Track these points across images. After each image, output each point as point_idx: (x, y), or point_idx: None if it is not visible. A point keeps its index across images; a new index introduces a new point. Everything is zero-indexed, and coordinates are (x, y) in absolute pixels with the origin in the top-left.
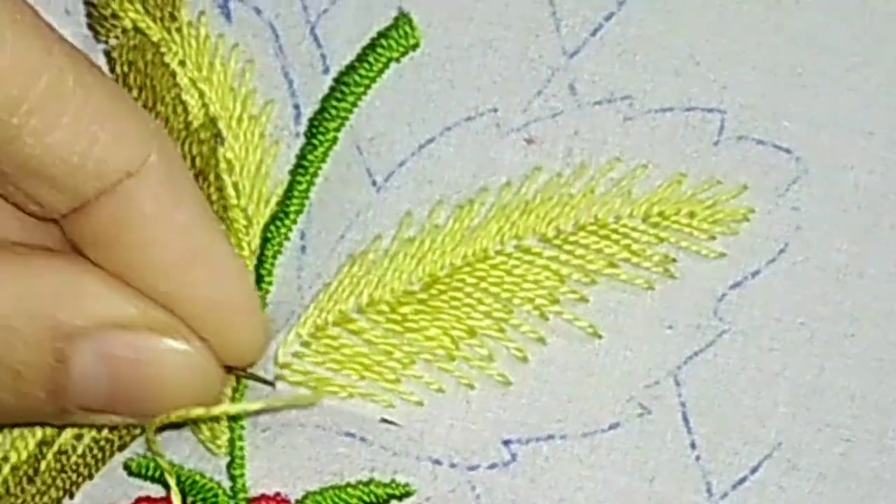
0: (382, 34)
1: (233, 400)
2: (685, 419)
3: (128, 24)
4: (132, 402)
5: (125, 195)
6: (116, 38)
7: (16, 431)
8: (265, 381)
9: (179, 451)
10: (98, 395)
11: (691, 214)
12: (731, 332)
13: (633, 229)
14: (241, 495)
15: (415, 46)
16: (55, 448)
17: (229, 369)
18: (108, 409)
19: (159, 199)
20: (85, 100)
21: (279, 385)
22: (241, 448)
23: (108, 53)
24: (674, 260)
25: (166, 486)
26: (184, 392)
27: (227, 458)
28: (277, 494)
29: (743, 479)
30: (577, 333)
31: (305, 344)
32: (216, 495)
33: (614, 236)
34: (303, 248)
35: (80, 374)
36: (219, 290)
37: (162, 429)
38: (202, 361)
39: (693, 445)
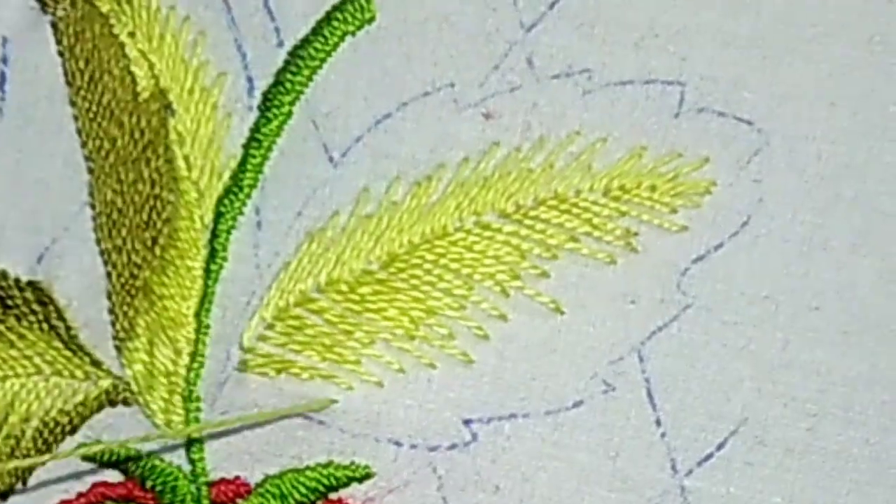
0: (337, 7)
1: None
2: (650, 396)
3: None
4: None
5: None
6: (64, 9)
7: None
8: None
9: (135, 434)
10: None
11: (652, 188)
12: (695, 306)
13: (594, 203)
14: (202, 479)
15: (370, 20)
16: (3, 433)
17: None
18: None
19: None
20: None
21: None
22: (198, 430)
23: (54, 25)
24: (635, 234)
25: (123, 471)
26: None
27: (185, 442)
28: (237, 478)
29: (709, 456)
30: (539, 309)
31: (269, 326)
32: (176, 479)
33: (575, 210)
34: (258, 224)
35: None
36: None
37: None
38: None
39: (658, 422)
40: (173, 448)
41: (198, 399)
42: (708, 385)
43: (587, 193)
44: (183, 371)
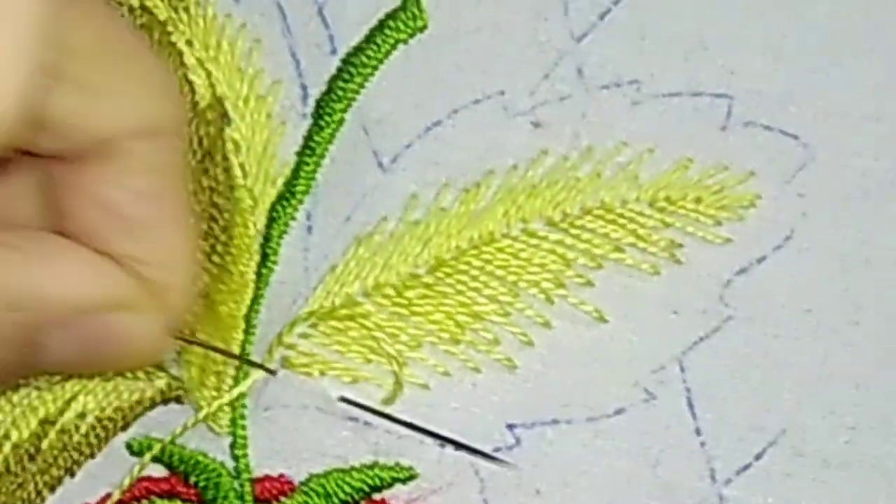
0: (390, 15)
1: (235, 384)
2: (690, 405)
3: (134, 2)
4: (96, 366)
5: (112, 156)
6: (122, 16)
7: (17, 409)
8: (266, 369)
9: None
10: (65, 364)
11: (698, 200)
12: (737, 318)
13: (640, 214)
14: (245, 475)
15: (422, 28)
16: (58, 427)
17: (234, 357)
18: (72, 371)
19: (145, 175)
20: (102, 52)
21: (281, 371)
22: (244, 428)
23: None
24: (680, 245)
25: (168, 466)
26: (142, 356)
27: (230, 439)
28: (281, 475)
29: (747, 466)
30: (583, 318)
31: (313, 325)
32: (220, 475)
33: (620, 221)
34: (309, 229)
35: (52, 354)
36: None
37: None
38: (159, 331)
39: (698, 431)
40: (218, 444)
41: (243, 396)
42: (748, 396)
43: (633, 204)
44: (231, 370)
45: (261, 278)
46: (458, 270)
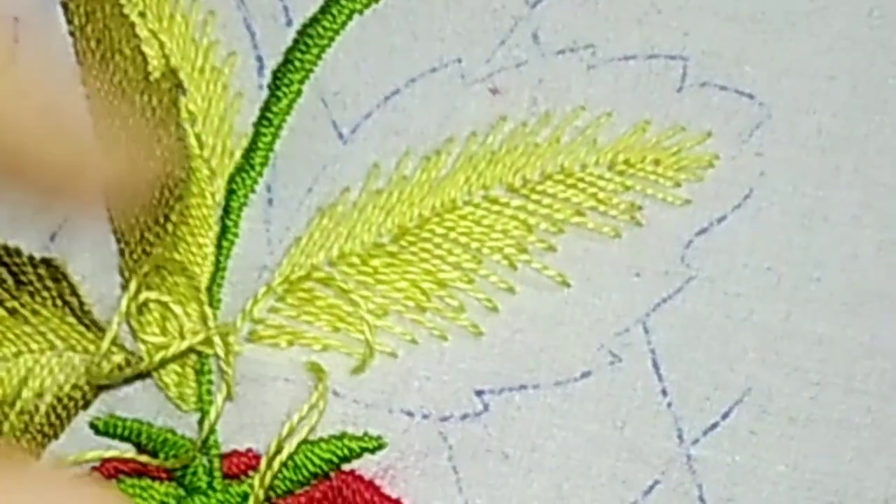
0: None
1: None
2: (655, 366)
3: None
4: None
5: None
6: None
7: None
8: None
9: (147, 407)
10: None
11: (656, 162)
12: (699, 278)
13: (600, 177)
14: (214, 451)
15: None
16: (17, 408)
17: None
18: None
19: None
20: None
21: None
22: (211, 403)
23: (65, 5)
24: (640, 207)
25: (135, 445)
26: None
27: (197, 415)
28: (249, 450)
29: (714, 425)
30: (546, 282)
31: (280, 298)
32: (188, 451)
33: (581, 185)
34: (269, 201)
35: None
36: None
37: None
38: None
39: (664, 392)
40: (186, 421)
41: (209, 372)
42: (712, 355)
43: (592, 168)
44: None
45: (221, 251)
46: (421, 238)
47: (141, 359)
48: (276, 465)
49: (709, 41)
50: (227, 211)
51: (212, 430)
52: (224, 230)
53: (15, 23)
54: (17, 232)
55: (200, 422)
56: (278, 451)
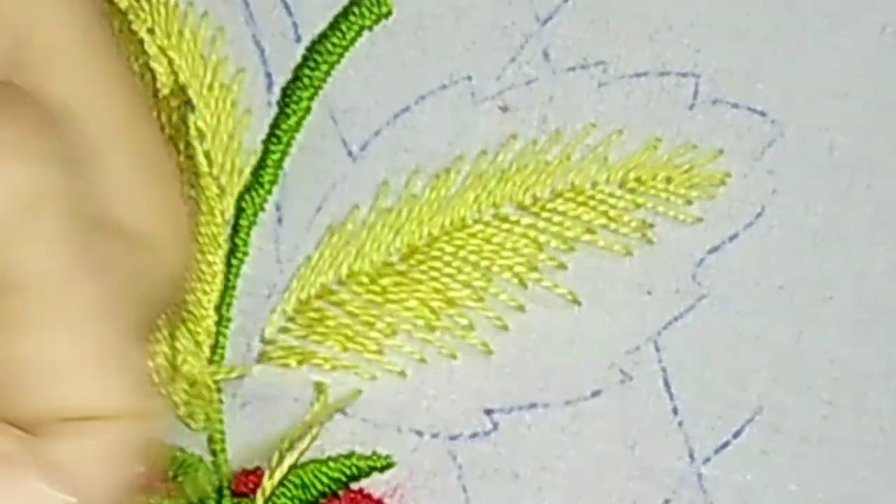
0: (354, 2)
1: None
2: (666, 385)
3: None
4: None
5: None
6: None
7: None
8: None
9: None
10: None
11: (668, 179)
12: (710, 296)
13: (610, 195)
14: (224, 469)
15: (387, 14)
16: None
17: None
18: None
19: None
20: None
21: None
22: (220, 422)
23: None
24: (651, 225)
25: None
26: None
27: (206, 433)
28: (258, 469)
29: (726, 444)
30: (557, 301)
31: (290, 319)
32: (197, 469)
33: (591, 203)
34: (279, 220)
35: None
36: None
37: None
38: None
39: (675, 411)
40: (195, 439)
41: (219, 391)
42: (724, 374)
43: (603, 185)
44: (204, 363)
45: (230, 269)
46: (430, 257)
47: (150, 377)
48: (276, 479)
49: (721, 58)
50: (236, 229)
51: (222, 449)
52: (233, 249)
53: None
54: None
55: (209, 440)
56: (279, 466)
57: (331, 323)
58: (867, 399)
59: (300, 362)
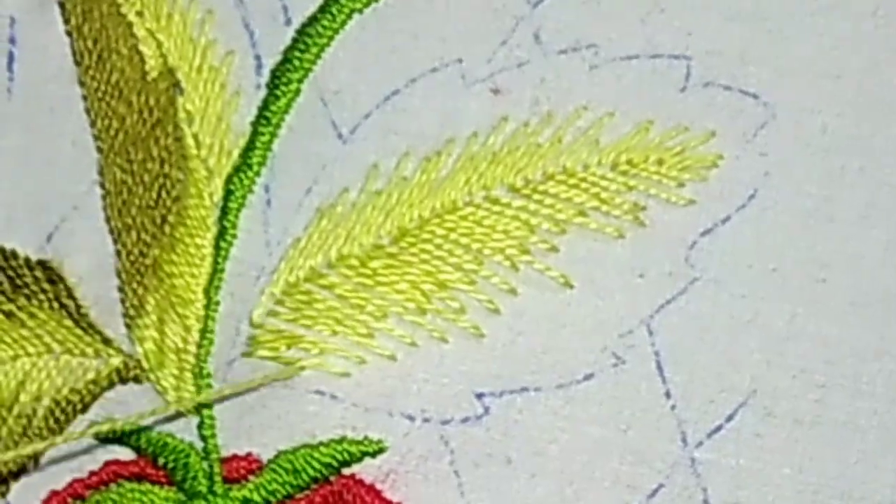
0: None
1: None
2: (659, 368)
3: None
4: None
5: None
6: None
7: None
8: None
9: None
10: None
11: (660, 162)
12: (703, 279)
13: (602, 178)
14: (214, 455)
15: None
16: (15, 412)
17: None
18: None
19: None
20: None
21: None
22: (210, 408)
23: (62, 5)
24: (643, 208)
25: (136, 449)
26: None
27: (197, 420)
28: (249, 454)
29: (718, 428)
30: (549, 284)
31: (279, 302)
32: (188, 456)
33: (583, 185)
34: (268, 202)
35: None
36: None
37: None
38: None
39: (668, 395)
40: (185, 425)
41: (208, 375)
42: (717, 357)
43: (595, 168)
44: (193, 348)
45: (219, 252)
46: (421, 240)
47: (138, 362)
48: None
49: (712, 40)
50: (224, 212)
51: (212, 435)
52: (222, 231)
53: (12, 22)
54: (13, 234)
55: (199, 426)
56: (278, 455)
57: (320, 306)
58: (861, 382)
59: (289, 346)
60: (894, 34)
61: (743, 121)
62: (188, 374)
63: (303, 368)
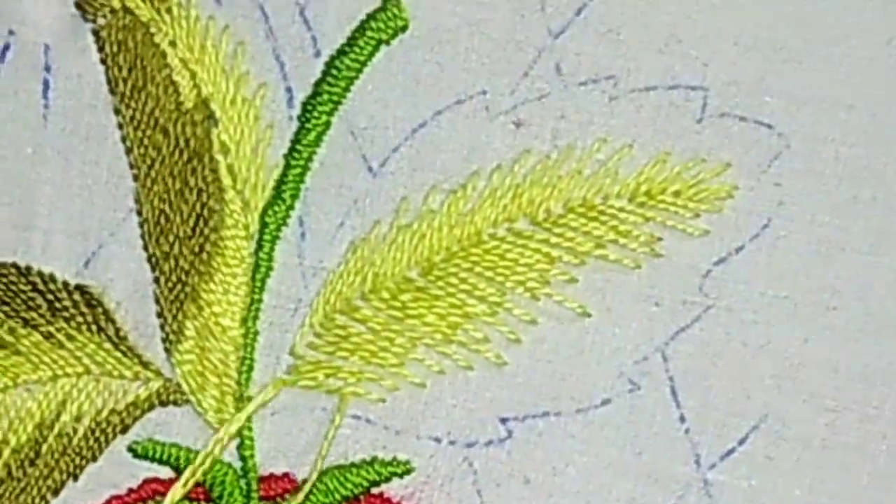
0: (371, 16)
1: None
2: (674, 393)
3: (116, 3)
4: None
5: None
6: (105, 17)
7: (12, 412)
8: None
9: (187, 433)
10: None
11: (676, 193)
12: (717, 307)
13: (621, 210)
14: (252, 475)
15: (403, 28)
16: (55, 431)
17: None
18: None
19: None
20: None
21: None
22: (251, 429)
23: (96, 33)
24: (659, 239)
25: (174, 468)
26: None
27: (236, 440)
28: (286, 474)
29: (731, 451)
30: (568, 314)
31: (318, 335)
32: (226, 474)
33: (602, 217)
34: (302, 235)
35: None
36: None
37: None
38: None
39: (682, 419)
40: (225, 445)
41: (249, 399)
42: (730, 383)
43: (614, 200)
44: (234, 373)
45: (255, 283)
46: (448, 273)
47: (178, 385)
48: (307, 488)
49: (729, 71)
50: (260, 244)
51: (251, 455)
52: (258, 263)
53: (46, 50)
54: (51, 258)
55: (239, 447)
56: (312, 475)
57: (355, 339)
58: (870, 406)
59: (328, 376)
60: None
61: (757, 151)
62: (230, 398)
63: (346, 396)
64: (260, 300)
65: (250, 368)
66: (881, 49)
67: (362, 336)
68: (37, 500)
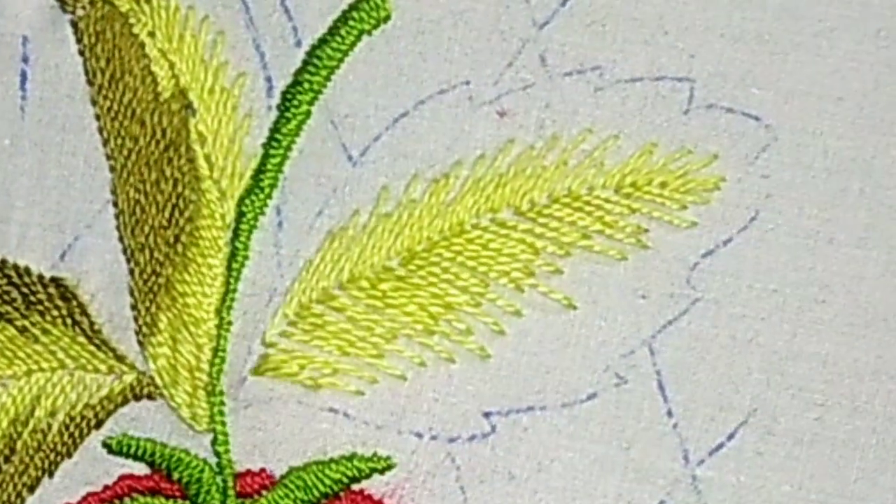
0: (353, 6)
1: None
2: (661, 387)
3: None
4: None
5: None
6: (83, 8)
7: None
8: None
9: (161, 428)
10: None
11: (663, 184)
12: (704, 300)
13: (606, 200)
14: (227, 471)
15: (386, 18)
16: (30, 426)
17: None
18: None
19: None
20: None
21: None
22: (224, 424)
23: (74, 24)
24: (646, 230)
25: (150, 464)
26: None
27: (210, 435)
28: (262, 470)
29: (720, 446)
30: (553, 305)
31: (292, 323)
32: (202, 471)
33: (587, 208)
34: (280, 224)
35: None
36: None
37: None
38: None
39: (669, 413)
40: (199, 441)
41: (221, 393)
42: (718, 377)
43: (599, 191)
44: (206, 366)
45: (231, 273)
46: (430, 262)
47: (152, 379)
48: (287, 485)
49: (716, 63)
50: (237, 233)
51: (226, 451)
52: (234, 252)
53: (24, 41)
54: (27, 251)
55: (213, 442)
56: (290, 471)
57: (332, 328)
58: (860, 400)
59: (302, 367)
60: None
61: (745, 143)
62: (202, 392)
63: (318, 387)
64: (235, 290)
65: (222, 360)
66: (869, 41)
67: (339, 325)
68: (13, 497)
